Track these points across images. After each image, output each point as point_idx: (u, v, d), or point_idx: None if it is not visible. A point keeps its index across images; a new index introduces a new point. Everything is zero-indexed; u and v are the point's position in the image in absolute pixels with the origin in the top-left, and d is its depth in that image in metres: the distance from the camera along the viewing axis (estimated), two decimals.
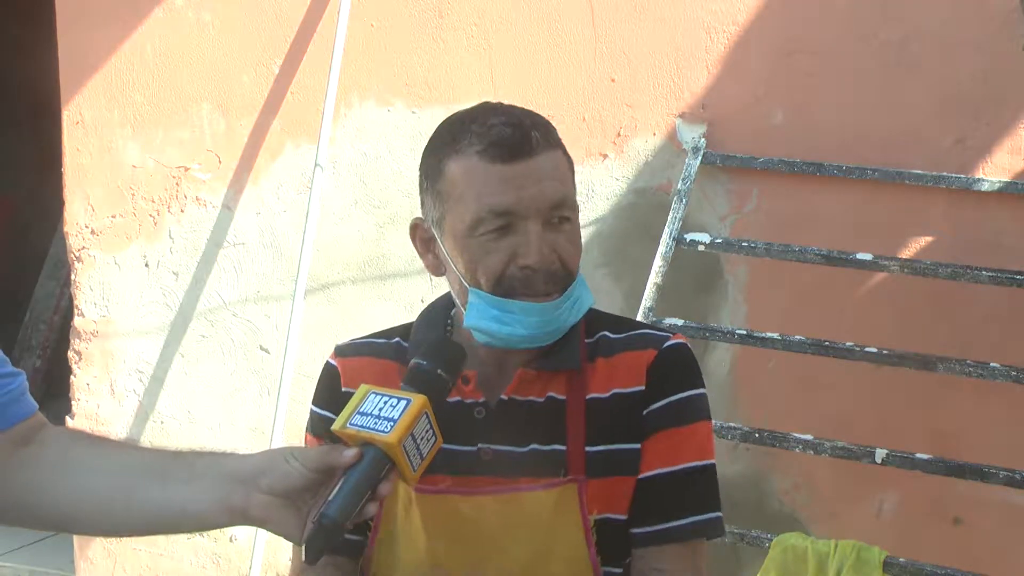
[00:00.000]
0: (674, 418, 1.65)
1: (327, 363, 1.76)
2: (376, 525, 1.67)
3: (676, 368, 1.67)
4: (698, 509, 1.65)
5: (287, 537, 1.46)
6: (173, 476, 1.51)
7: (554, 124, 1.70)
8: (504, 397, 1.65)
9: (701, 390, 1.68)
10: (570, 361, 1.65)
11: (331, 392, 1.73)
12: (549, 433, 1.63)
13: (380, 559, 1.68)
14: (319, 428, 1.72)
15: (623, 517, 1.64)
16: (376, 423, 1.43)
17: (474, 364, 1.64)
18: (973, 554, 3.10)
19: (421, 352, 1.56)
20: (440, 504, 1.63)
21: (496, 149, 1.57)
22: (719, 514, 1.67)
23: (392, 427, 1.42)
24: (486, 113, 1.62)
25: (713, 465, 1.67)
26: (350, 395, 1.55)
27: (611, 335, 1.69)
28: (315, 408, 1.75)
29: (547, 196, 1.58)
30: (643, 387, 1.65)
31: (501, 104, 1.66)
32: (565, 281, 1.61)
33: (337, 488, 1.40)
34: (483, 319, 1.61)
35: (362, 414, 1.44)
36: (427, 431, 1.46)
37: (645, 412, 1.64)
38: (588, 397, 1.65)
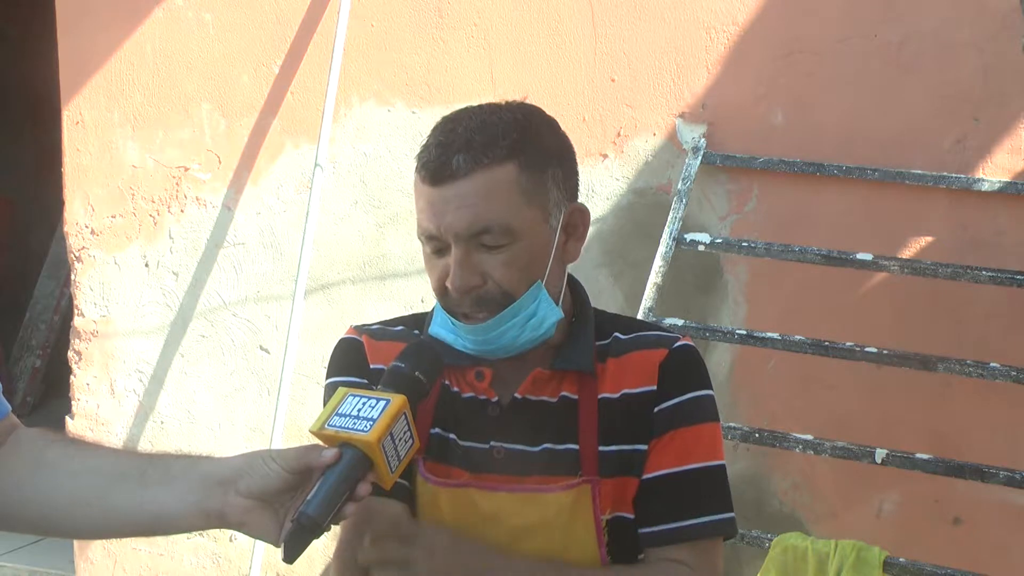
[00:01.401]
0: (685, 417, 1.65)
1: (347, 338, 1.74)
2: None
3: (688, 368, 1.68)
4: (711, 509, 1.65)
5: (264, 539, 1.45)
6: (149, 479, 1.51)
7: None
8: (518, 396, 1.65)
9: (710, 392, 1.69)
10: (584, 362, 1.66)
11: (357, 363, 1.70)
12: (562, 433, 1.64)
13: None
14: None
15: (633, 516, 1.65)
16: (355, 423, 1.43)
17: (490, 361, 1.65)
18: (973, 554, 3.10)
19: (399, 354, 1.57)
20: (461, 498, 1.63)
21: (424, 171, 1.58)
22: (732, 515, 1.67)
23: (371, 426, 1.42)
24: (441, 126, 1.61)
25: (723, 466, 1.68)
26: (377, 371, 1.56)
27: (622, 336, 1.70)
28: (337, 378, 1.70)
29: (463, 224, 1.56)
30: (654, 386, 1.65)
31: (468, 112, 1.62)
32: (501, 303, 1.59)
33: (316, 488, 1.40)
34: (442, 329, 1.66)
35: (340, 415, 1.44)
36: (405, 432, 1.46)
37: (656, 410, 1.64)
38: (600, 397, 1.65)
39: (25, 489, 1.55)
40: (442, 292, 1.62)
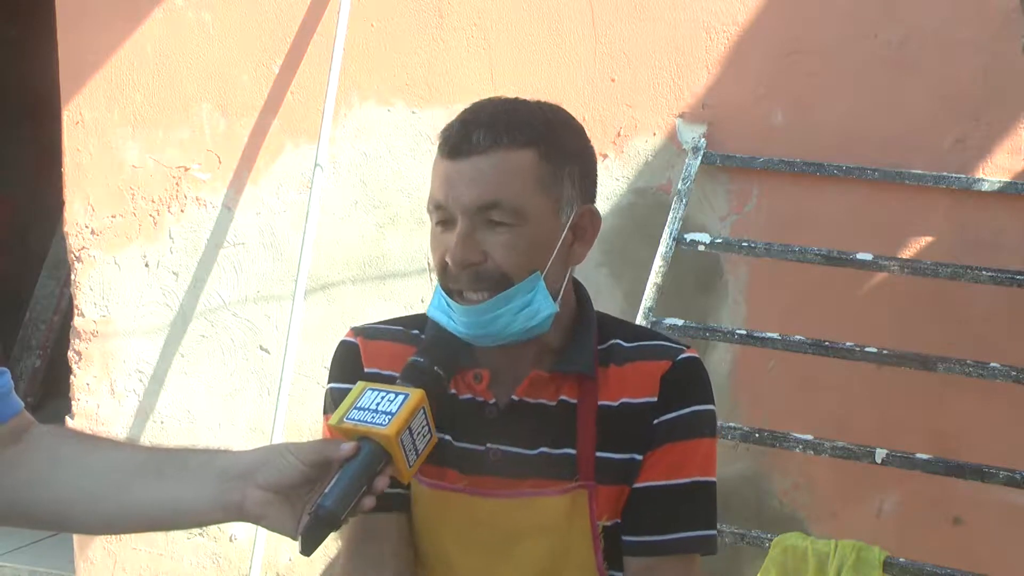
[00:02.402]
0: (683, 431, 1.63)
1: (345, 341, 1.74)
2: None
3: (691, 381, 1.66)
4: (696, 525, 1.64)
5: (282, 532, 1.46)
6: (167, 473, 1.51)
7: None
8: (515, 398, 1.64)
9: (711, 406, 1.67)
10: (584, 365, 1.64)
11: (352, 368, 1.70)
12: (560, 437, 1.63)
13: None
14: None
15: None
16: (373, 417, 1.43)
17: (488, 362, 1.64)
18: (973, 554, 3.10)
19: (419, 348, 1.56)
20: (456, 502, 1.62)
21: (445, 145, 1.59)
22: (713, 532, 1.66)
23: (390, 420, 1.42)
24: (469, 108, 1.62)
25: (714, 483, 1.67)
26: (372, 374, 1.56)
27: (624, 343, 1.68)
28: (334, 385, 1.70)
29: (473, 197, 1.55)
30: (655, 397, 1.63)
31: (497, 99, 1.64)
32: (498, 284, 1.57)
33: (334, 481, 1.41)
34: (438, 311, 1.63)
35: (359, 409, 1.45)
36: (424, 426, 1.46)
37: (656, 422, 1.63)
38: (599, 403, 1.64)
39: (41, 485, 1.55)
40: (442, 268, 1.60)
